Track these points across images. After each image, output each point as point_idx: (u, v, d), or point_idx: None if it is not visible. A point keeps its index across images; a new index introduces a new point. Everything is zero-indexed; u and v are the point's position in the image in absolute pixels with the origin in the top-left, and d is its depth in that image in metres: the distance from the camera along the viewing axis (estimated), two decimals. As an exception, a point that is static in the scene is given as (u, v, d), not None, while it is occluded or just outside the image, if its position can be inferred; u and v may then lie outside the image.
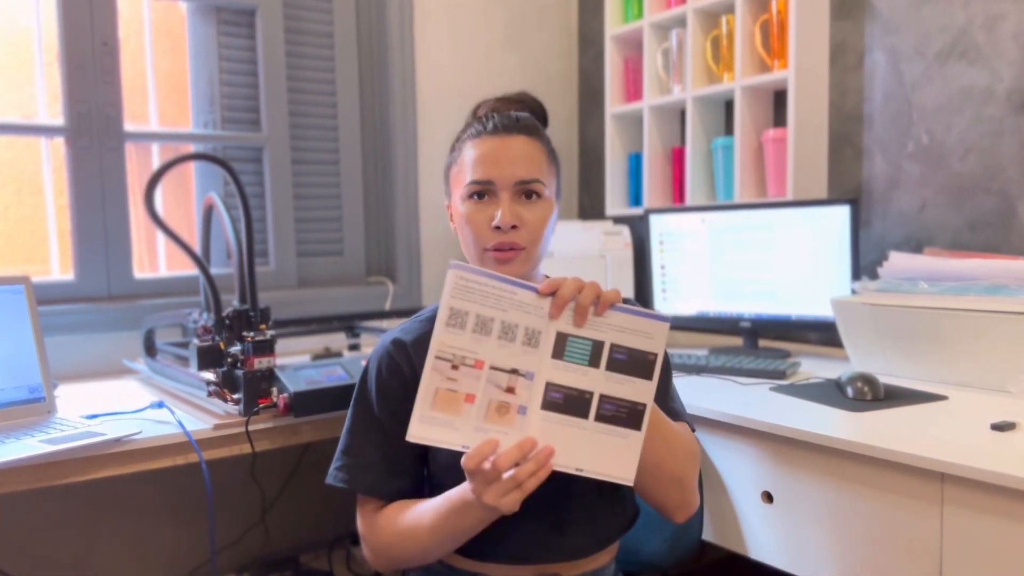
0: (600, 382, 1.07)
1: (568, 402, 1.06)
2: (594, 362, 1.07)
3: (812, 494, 1.38)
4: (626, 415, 1.07)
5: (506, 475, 1.02)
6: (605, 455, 1.06)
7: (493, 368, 1.05)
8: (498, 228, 1.20)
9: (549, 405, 1.06)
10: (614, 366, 1.07)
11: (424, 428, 1.04)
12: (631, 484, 1.07)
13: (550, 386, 1.06)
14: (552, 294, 1.06)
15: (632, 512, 1.33)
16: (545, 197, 1.24)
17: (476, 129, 1.26)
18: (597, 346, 1.07)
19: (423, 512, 1.18)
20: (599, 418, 1.06)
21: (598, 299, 1.06)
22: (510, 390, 1.05)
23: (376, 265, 2.65)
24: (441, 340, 1.04)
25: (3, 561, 1.94)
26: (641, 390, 1.07)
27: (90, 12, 2.10)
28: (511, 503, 1.03)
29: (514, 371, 1.06)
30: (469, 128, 1.28)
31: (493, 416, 1.05)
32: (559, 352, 1.06)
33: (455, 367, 1.04)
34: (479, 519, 1.12)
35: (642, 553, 1.52)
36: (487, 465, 1.02)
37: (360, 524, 1.27)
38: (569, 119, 2.98)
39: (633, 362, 1.07)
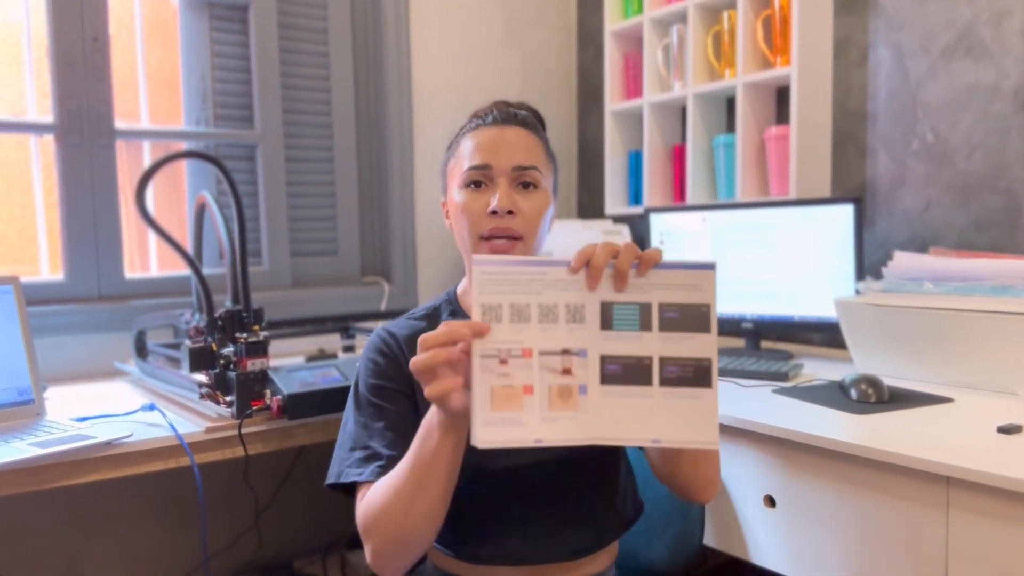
0: (656, 345, 1.03)
1: (628, 372, 1.03)
2: (645, 326, 1.03)
3: (815, 498, 1.38)
4: (692, 374, 1.02)
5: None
6: (680, 421, 1.02)
7: (543, 353, 1.02)
8: (494, 213, 1.20)
9: (608, 379, 1.03)
10: (667, 325, 1.03)
11: (490, 431, 0.99)
12: (715, 447, 1.03)
13: (605, 359, 1.03)
14: (586, 265, 1.02)
15: (633, 510, 1.33)
16: (542, 188, 1.25)
17: (475, 123, 1.28)
18: (645, 309, 1.03)
19: (402, 460, 1.12)
20: (664, 382, 1.02)
21: (639, 260, 1.02)
22: (566, 371, 1.02)
23: (371, 265, 2.65)
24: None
25: (-9, 567, 1.94)
26: (702, 345, 1.03)
27: (80, 7, 2.09)
28: (433, 392, 0.98)
29: (565, 351, 1.02)
30: (467, 124, 1.30)
31: (557, 402, 1.01)
32: (607, 323, 1.03)
33: (503, 361, 1.00)
34: (440, 439, 1.05)
35: (642, 558, 1.52)
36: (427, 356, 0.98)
37: (357, 516, 1.18)
38: (568, 116, 2.98)
39: (687, 318, 1.03)
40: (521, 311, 1.01)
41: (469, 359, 0.99)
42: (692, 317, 1.03)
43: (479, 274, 1.00)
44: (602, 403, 1.02)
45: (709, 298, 1.03)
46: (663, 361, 1.03)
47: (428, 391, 0.99)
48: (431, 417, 1.05)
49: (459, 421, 1.03)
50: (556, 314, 1.02)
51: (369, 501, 1.14)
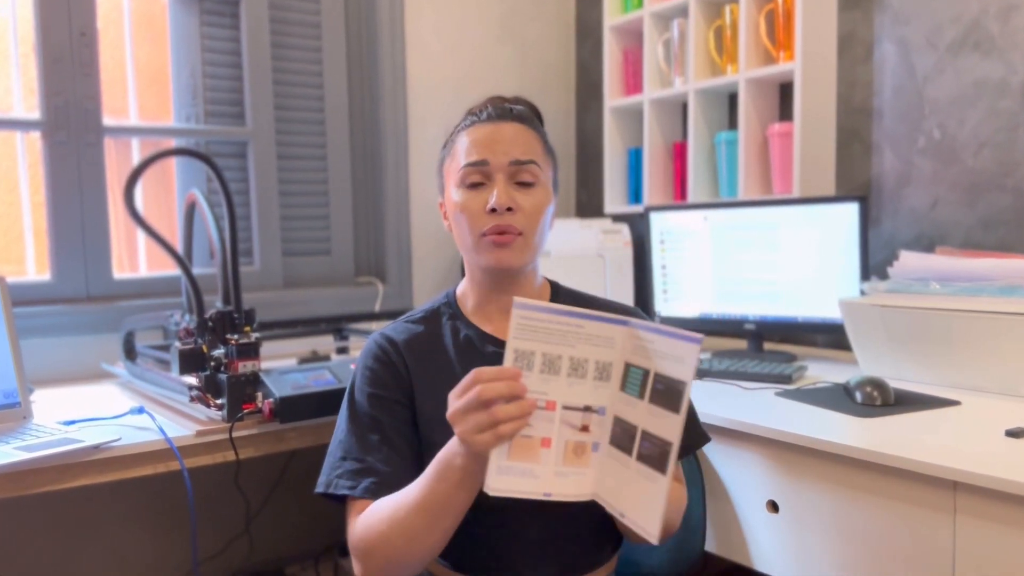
0: (644, 416, 0.99)
1: (623, 437, 1.02)
2: (643, 393, 1.00)
3: (819, 503, 1.38)
4: (657, 455, 0.97)
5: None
6: (639, 500, 0.99)
7: (566, 408, 1.02)
8: (493, 211, 1.20)
9: (614, 440, 1.02)
10: (655, 397, 0.98)
11: (503, 480, 0.99)
12: (653, 542, 0.96)
13: (616, 420, 1.02)
14: (625, 323, 1.02)
15: None
16: (542, 183, 1.25)
17: (470, 120, 1.28)
18: (645, 375, 1.00)
19: (408, 490, 1.12)
20: (639, 457, 0.99)
21: None
22: (584, 428, 1.02)
23: (365, 265, 2.65)
24: None
25: (-24, 574, 1.94)
26: (669, 426, 0.96)
27: (67, 1, 2.09)
28: (484, 442, 0.98)
29: (587, 408, 1.02)
30: (462, 121, 1.30)
31: (571, 457, 1.02)
32: (623, 384, 1.02)
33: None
34: (459, 480, 1.05)
35: (643, 565, 1.52)
36: (472, 392, 0.98)
37: (349, 530, 1.19)
38: (566, 113, 2.98)
39: (667, 392, 0.97)
40: (552, 362, 1.01)
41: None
42: (671, 393, 0.97)
43: (517, 317, 0.99)
44: (605, 463, 1.03)
45: (687, 375, 0.95)
46: (643, 435, 1.00)
47: (461, 431, 1.00)
48: (452, 455, 1.05)
49: (483, 462, 1.02)
50: (585, 369, 1.02)
51: (367, 525, 1.14)
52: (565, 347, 1.01)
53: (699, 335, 0.94)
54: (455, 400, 1.01)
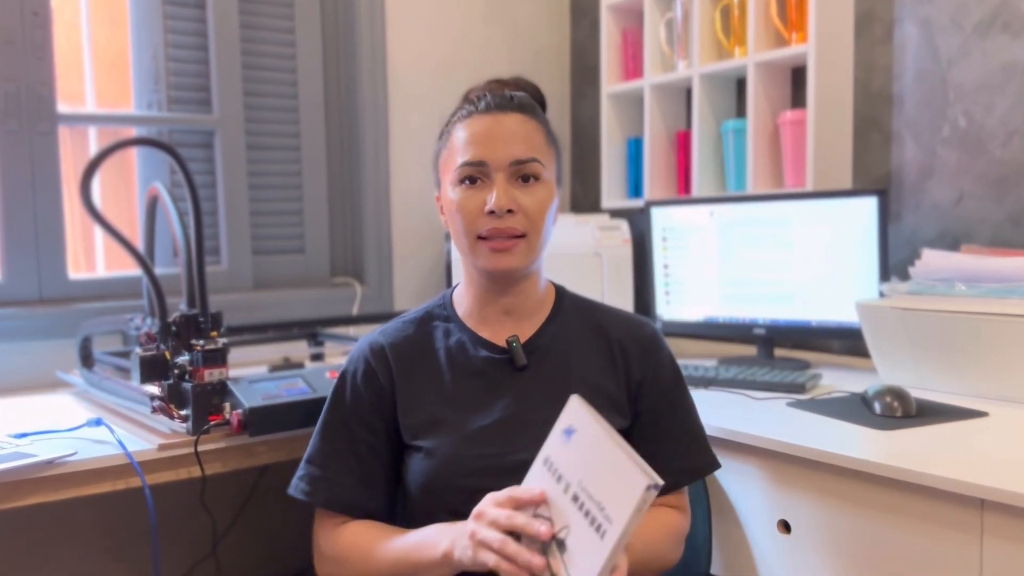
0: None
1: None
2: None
3: (834, 523, 1.38)
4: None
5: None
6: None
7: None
8: (492, 213, 1.21)
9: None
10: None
11: None
12: None
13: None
14: None
15: None
16: (544, 180, 1.26)
17: (467, 110, 1.29)
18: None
19: (389, 542, 1.20)
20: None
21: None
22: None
23: (342, 264, 2.65)
24: None
25: (-82, 601, 1.93)
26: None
27: (18, -23, 2.09)
28: (484, 558, 1.04)
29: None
30: (459, 110, 1.31)
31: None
32: None
33: None
34: (437, 565, 1.13)
35: (644, 589, 1.52)
36: (510, 519, 1.03)
37: (318, 538, 1.29)
38: (560, 99, 2.98)
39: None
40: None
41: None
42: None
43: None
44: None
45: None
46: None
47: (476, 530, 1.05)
48: (448, 541, 1.11)
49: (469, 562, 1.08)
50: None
51: (346, 544, 1.25)
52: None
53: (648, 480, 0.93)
54: (493, 506, 1.05)
